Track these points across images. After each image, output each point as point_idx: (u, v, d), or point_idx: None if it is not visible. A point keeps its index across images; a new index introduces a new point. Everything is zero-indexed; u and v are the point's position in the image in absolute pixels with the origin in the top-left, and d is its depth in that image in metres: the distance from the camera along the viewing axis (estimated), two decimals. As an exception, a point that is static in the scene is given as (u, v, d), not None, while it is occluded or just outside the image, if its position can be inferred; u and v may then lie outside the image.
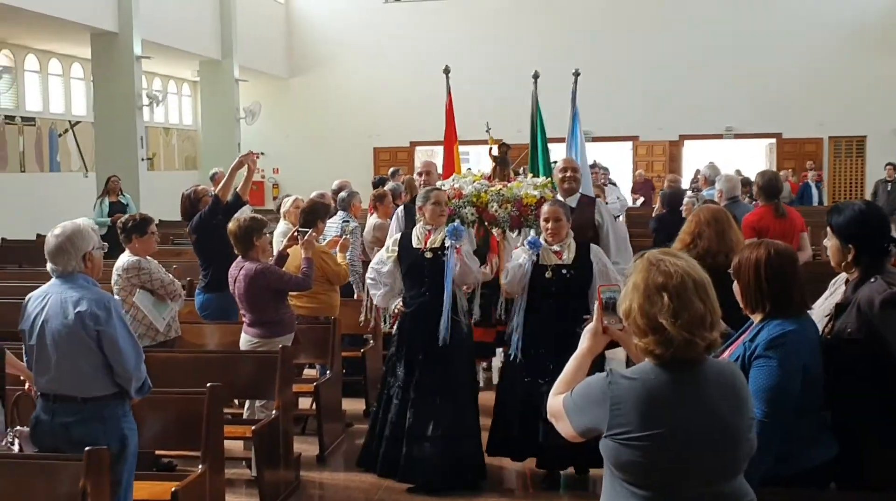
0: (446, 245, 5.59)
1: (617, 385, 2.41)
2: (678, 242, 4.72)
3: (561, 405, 2.56)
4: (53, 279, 3.89)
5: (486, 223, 6.45)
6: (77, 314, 3.74)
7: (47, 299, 3.85)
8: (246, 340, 5.96)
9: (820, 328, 3.55)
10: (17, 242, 13.13)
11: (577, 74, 8.53)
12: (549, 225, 5.54)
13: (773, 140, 23.72)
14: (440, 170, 8.08)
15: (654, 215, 10.39)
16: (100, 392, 3.80)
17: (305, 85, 24.97)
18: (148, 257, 5.90)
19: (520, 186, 6.44)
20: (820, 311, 3.90)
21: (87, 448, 3.29)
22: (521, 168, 9.14)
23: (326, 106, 24.71)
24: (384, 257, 5.89)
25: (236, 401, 6.37)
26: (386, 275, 5.85)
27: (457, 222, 5.80)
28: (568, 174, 6.57)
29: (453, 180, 6.64)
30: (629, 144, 24.32)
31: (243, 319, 6.03)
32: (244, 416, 6.10)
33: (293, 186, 21.80)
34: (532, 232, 6.17)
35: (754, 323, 3.34)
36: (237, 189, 6.62)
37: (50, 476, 3.39)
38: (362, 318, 6.81)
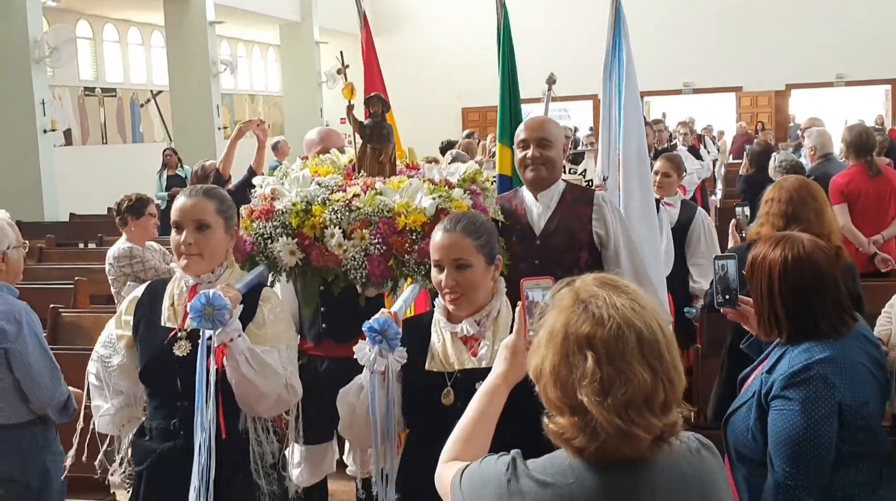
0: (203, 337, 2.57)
1: (519, 492, 1.58)
2: (765, 225, 3.57)
3: (449, 486, 1.75)
4: None
5: (330, 275, 3.07)
6: None
7: (-51, 309, 3.28)
8: None
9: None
10: (86, 216, 12.96)
11: None
12: (444, 278, 2.47)
13: (890, 87, 21.88)
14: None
15: (740, 173, 9.36)
16: (12, 420, 3.22)
17: (390, 45, 24.26)
18: (150, 243, 5.36)
19: (398, 186, 3.10)
20: None
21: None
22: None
23: (412, 66, 24.01)
24: (113, 337, 2.86)
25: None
26: (117, 374, 2.83)
27: (213, 292, 2.50)
28: (531, 153, 3.46)
29: (279, 178, 3.31)
30: (732, 95, 22.88)
31: None
32: None
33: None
34: (409, 291, 2.92)
35: (774, 345, 2.49)
36: (252, 163, 6.00)
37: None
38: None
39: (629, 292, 1.61)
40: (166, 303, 2.79)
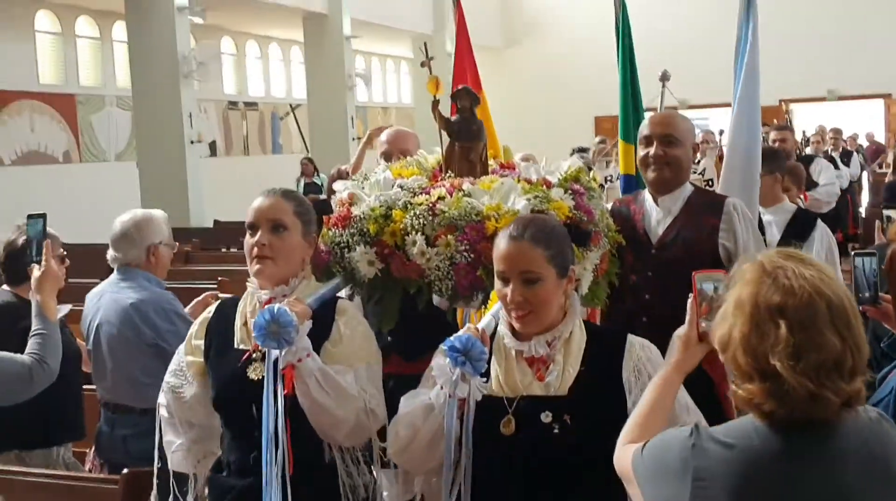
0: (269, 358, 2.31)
1: (704, 453, 1.64)
2: None
3: (630, 463, 1.81)
4: (112, 275, 3.57)
5: (412, 288, 2.66)
6: (130, 318, 3.40)
7: (102, 299, 3.52)
8: None
9: None
10: (229, 223, 13.51)
11: None
12: (510, 292, 2.15)
13: None
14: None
15: (886, 181, 8.95)
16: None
17: (521, 55, 24.38)
18: None
19: (489, 187, 2.71)
20: None
21: (124, 470, 2.92)
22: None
23: (543, 75, 24.02)
24: (183, 364, 2.61)
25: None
26: (189, 406, 2.58)
27: (277, 306, 2.24)
28: (654, 151, 3.06)
29: (359, 181, 2.90)
30: (880, 102, 21.80)
31: None
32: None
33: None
34: (499, 305, 2.33)
35: None
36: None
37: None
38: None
39: (815, 264, 1.68)
40: (238, 323, 2.49)
